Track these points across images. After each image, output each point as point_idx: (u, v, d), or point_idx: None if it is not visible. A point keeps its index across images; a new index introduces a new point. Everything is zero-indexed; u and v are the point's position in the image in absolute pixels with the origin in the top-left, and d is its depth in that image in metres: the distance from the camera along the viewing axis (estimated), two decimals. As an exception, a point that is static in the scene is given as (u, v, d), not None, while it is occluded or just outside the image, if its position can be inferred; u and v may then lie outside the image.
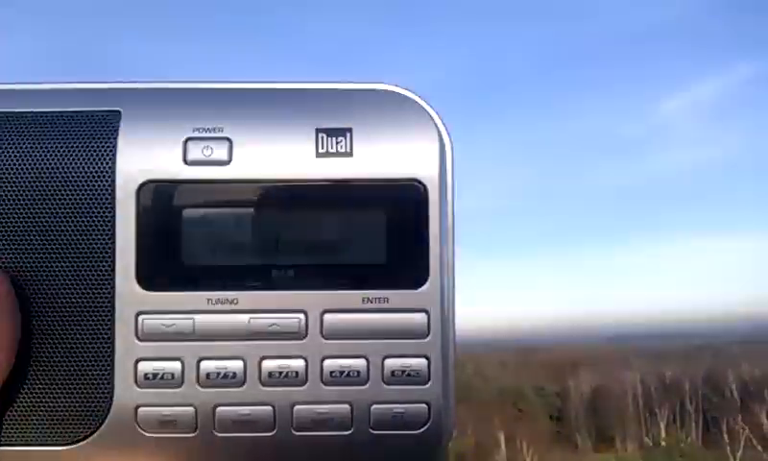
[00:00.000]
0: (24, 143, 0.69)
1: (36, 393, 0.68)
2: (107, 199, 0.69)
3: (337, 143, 0.69)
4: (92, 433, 0.68)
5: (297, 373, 0.68)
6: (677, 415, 28.90)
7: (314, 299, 0.69)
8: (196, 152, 0.69)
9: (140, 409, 0.68)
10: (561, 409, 31.69)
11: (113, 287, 0.68)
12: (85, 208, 0.69)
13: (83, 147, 0.69)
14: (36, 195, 0.68)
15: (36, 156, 0.69)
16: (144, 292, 0.68)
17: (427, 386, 0.69)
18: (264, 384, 0.68)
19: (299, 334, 0.68)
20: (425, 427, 0.69)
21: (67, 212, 0.68)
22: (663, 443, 26.98)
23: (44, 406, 0.68)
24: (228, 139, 0.69)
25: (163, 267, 0.69)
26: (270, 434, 0.68)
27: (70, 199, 0.68)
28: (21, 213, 0.68)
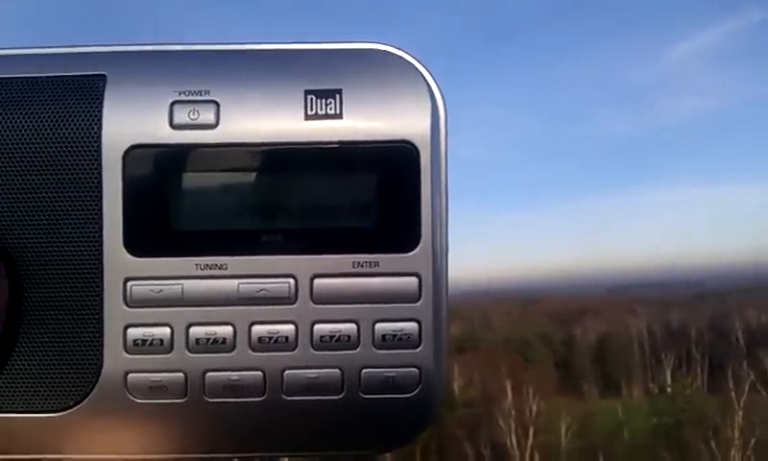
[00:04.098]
0: (8, 109, 0.68)
1: (26, 360, 0.68)
2: (93, 164, 0.68)
3: (326, 105, 0.68)
4: (82, 400, 0.68)
5: (287, 338, 0.68)
6: (683, 362, 29.16)
7: (304, 263, 0.68)
8: (182, 115, 0.67)
9: (130, 375, 0.68)
10: (567, 357, 32.00)
11: (101, 253, 0.68)
12: (72, 174, 0.68)
13: (68, 112, 0.68)
14: (22, 161, 0.67)
15: (20, 122, 0.68)
16: (132, 258, 0.68)
17: (418, 350, 0.69)
18: (254, 349, 0.68)
19: (288, 299, 0.68)
20: (416, 391, 0.69)
21: (54, 179, 0.68)
22: (669, 389, 27.27)
23: (34, 373, 0.68)
24: (215, 102, 0.68)
25: (151, 233, 0.68)
26: (260, 399, 0.68)
27: (56, 165, 0.67)
28: (7, 180, 0.67)
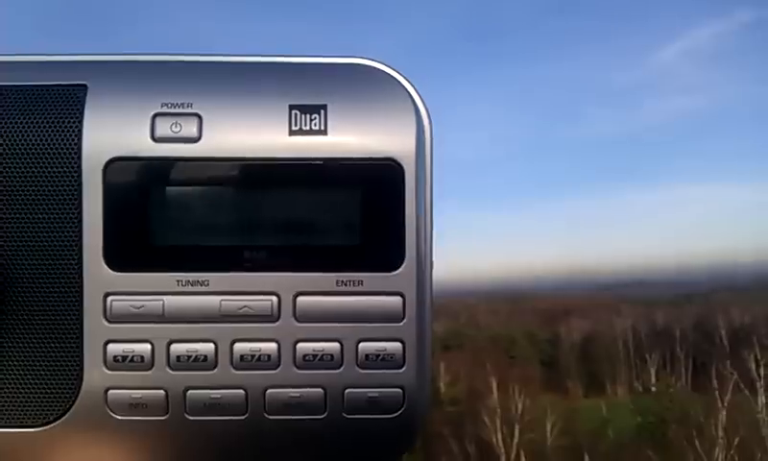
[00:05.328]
0: None
1: (5, 375, 0.67)
2: (73, 176, 0.66)
3: (311, 120, 0.67)
4: (62, 415, 0.67)
5: (269, 356, 0.67)
6: (667, 361, 29.35)
7: (287, 281, 0.67)
8: (164, 128, 0.66)
9: (110, 392, 0.67)
10: (552, 356, 32.15)
11: (81, 268, 0.67)
12: (51, 186, 0.66)
13: (48, 122, 0.67)
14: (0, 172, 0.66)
15: None
16: (112, 273, 0.67)
17: (402, 370, 0.68)
18: (236, 368, 0.67)
19: (271, 317, 0.67)
20: (400, 412, 0.68)
21: (32, 191, 0.66)
22: (653, 388, 27.43)
23: (13, 388, 0.67)
24: (198, 115, 0.67)
25: (132, 247, 0.67)
26: (241, 418, 0.68)
27: (35, 177, 0.66)
28: None
